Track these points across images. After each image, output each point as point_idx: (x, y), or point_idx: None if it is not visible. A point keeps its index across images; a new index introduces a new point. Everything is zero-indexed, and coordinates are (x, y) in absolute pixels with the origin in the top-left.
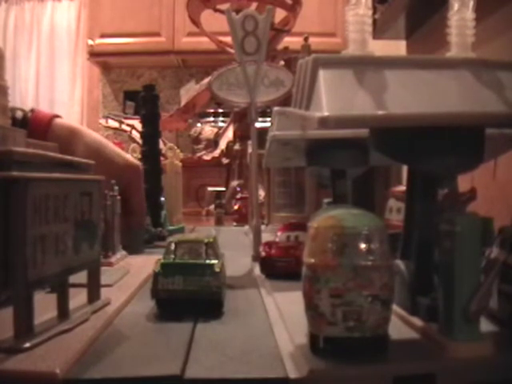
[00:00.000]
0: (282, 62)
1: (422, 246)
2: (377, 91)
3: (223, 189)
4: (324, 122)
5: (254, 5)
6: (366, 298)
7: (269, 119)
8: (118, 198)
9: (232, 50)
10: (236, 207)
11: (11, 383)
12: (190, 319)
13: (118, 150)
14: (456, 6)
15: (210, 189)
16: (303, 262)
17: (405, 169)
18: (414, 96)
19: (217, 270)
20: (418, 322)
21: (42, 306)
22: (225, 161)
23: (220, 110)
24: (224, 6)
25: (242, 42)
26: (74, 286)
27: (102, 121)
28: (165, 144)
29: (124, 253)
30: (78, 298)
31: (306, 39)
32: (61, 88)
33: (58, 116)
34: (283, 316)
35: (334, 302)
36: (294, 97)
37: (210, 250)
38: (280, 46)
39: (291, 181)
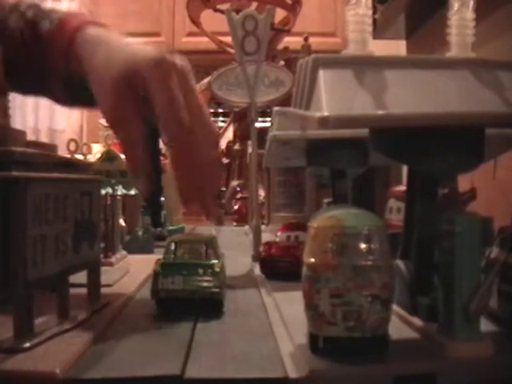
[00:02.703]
0: (282, 62)
1: (421, 245)
2: (377, 91)
3: (223, 189)
4: (324, 122)
5: (254, 5)
6: (366, 297)
7: (269, 119)
8: (119, 198)
9: (232, 50)
10: (236, 207)
11: (11, 383)
12: (190, 319)
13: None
14: (456, 6)
15: None
16: (303, 261)
17: (405, 169)
18: (413, 96)
19: (217, 269)
20: (418, 321)
21: (42, 306)
22: (225, 161)
23: (220, 110)
24: (224, 6)
25: (242, 42)
26: (74, 286)
27: (102, 121)
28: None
29: (124, 253)
30: (78, 298)
31: (306, 39)
32: None
33: (87, 23)
34: (283, 316)
35: (334, 301)
36: (293, 97)
37: (210, 249)
38: (280, 46)
39: (291, 181)
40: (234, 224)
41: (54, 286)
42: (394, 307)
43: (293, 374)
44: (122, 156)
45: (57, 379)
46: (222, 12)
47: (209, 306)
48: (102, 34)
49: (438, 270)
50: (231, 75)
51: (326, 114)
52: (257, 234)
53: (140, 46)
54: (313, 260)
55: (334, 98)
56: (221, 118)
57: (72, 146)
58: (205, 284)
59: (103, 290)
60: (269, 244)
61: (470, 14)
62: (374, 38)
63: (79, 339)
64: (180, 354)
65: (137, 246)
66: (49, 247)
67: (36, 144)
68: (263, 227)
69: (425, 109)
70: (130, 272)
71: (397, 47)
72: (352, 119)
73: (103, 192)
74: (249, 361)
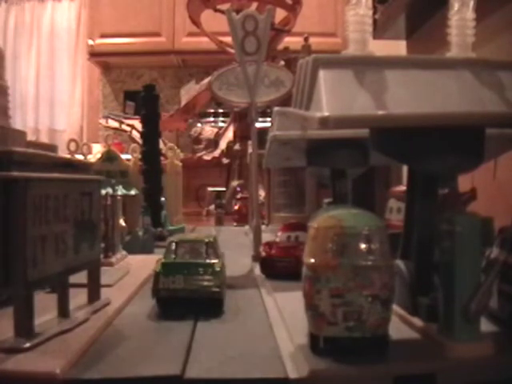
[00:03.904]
0: (282, 62)
1: (422, 245)
2: (377, 91)
3: (223, 189)
4: (324, 122)
5: (254, 5)
6: (366, 297)
7: (269, 119)
8: (119, 198)
9: (232, 50)
10: (236, 207)
11: (11, 383)
12: (191, 318)
13: None
14: (456, 6)
15: (210, 189)
16: (303, 262)
17: (405, 169)
18: (414, 96)
19: (217, 269)
20: (418, 322)
21: (42, 306)
22: (225, 161)
23: (220, 110)
24: (224, 6)
25: (242, 41)
26: (74, 286)
27: (102, 121)
28: (165, 144)
29: (124, 253)
30: (78, 298)
31: (306, 39)
32: (61, 88)
33: None
34: (283, 316)
35: (335, 302)
36: (294, 97)
37: (210, 249)
38: (280, 46)
39: (291, 181)
40: (234, 224)
41: (54, 286)
42: (394, 307)
43: (293, 374)
44: (122, 156)
45: (57, 379)
46: (222, 12)
47: (209, 305)
48: None
49: (438, 270)
50: (231, 75)
51: (326, 114)
52: (257, 234)
53: None
54: (313, 260)
55: (334, 98)
56: (221, 118)
57: (72, 146)
58: (205, 283)
59: (103, 290)
60: (269, 244)
61: (470, 14)
62: (374, 38)
63: (79, 339)
64: (180, 354)
65: (137, 246)
66: (49, 247)
67: (36, 144)
68: (263, 227)
69: (425, 109)
70: (130, 272)
71: (397, 47)
72: (352, 119)
73: (103, 192)
74: (249, 361)
